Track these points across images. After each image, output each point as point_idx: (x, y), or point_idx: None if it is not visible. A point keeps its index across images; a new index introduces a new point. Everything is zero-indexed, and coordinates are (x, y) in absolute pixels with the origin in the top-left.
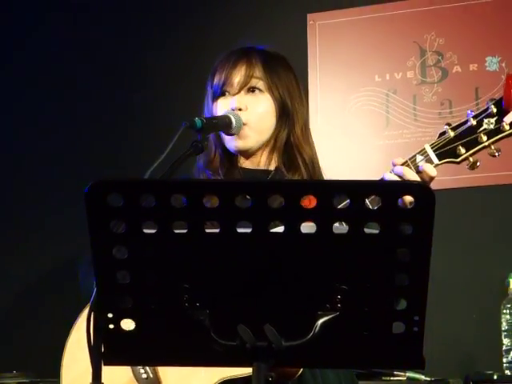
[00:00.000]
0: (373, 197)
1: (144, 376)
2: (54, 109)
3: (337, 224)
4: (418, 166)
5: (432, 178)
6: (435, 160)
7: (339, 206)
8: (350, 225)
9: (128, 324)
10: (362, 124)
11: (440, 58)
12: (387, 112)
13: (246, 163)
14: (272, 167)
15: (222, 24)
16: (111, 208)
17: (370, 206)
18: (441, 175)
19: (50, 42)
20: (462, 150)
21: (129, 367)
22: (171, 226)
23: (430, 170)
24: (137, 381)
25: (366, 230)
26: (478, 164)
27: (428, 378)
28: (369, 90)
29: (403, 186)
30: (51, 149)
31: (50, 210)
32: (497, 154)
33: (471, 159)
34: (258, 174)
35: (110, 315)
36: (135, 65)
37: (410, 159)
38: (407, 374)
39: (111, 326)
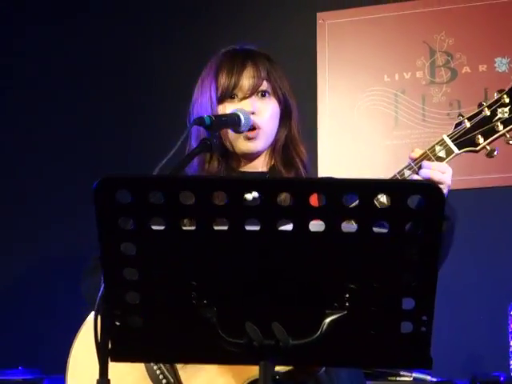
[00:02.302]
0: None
1: (164, 382)
2: (63, 103)
3: (344, 223)
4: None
5: (447, 178)
6: (455, 150)
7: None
8: (358, 223)
9: (135, 321)
10: (371, 124)
11: (449, 58)
12: (396, 112)
13: (244, 166)
14: (266, 169)
15: (231, 23)
16: (120, 204)
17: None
18: (452, 176)
19: (62, 42)
20: (481, 139)
21: (146, 374)
22: (179, 223)
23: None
24: None
25: (375, 229)
26: (496, 153)
27: (434, 379)
28: (378, 90)
29: (412, 185)
30: (61, 144)
31: (58, 207)
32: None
33: (488, 148)
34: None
35: (117, 312)
36: (144, 63)
37: (429, 150)
38: (413, 375)
39: (118, 323)
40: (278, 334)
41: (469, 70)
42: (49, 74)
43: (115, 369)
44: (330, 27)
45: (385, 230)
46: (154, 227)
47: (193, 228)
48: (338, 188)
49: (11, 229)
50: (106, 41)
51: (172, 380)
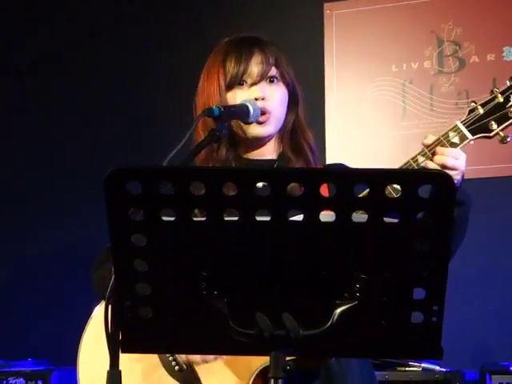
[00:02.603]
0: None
1: (177, 368)
2: (73, 97)
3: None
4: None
5: (461, 164)
6: (469, 135)
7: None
8: (369, 214)
9: (146, 312)
10: (379, 114)
11: (457, 47)
12: (404, 102)
13: (252, 154)
14: (275, 156)
15: (238, 13)
16: (130, 195)
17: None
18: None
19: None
20: (494, 125)
21: (159, 361)
22: (190, 214)
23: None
24: (170, 374)
25: (386, 220)
26: (509, 139)
27: (443, 369)
28: (385, 80)
29: (423, 174)
30: (70, 134)
31: (68, 198)
32: None
33: (502, 134)
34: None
35: (127, 303)
36: (151, 56)
37: (442, 136)
38: (422, 365)
39: (129, 314)
40: (289, 325)
41: (477, 60)
42: (51, 70)
43: (125, 357)
44: (337, 17)
45: (395, 220)
46: (165, 218)
47: (203, 219)
48: (348, 178)
49: (20, 215)
50: (108, 38)
51: (185, 367)
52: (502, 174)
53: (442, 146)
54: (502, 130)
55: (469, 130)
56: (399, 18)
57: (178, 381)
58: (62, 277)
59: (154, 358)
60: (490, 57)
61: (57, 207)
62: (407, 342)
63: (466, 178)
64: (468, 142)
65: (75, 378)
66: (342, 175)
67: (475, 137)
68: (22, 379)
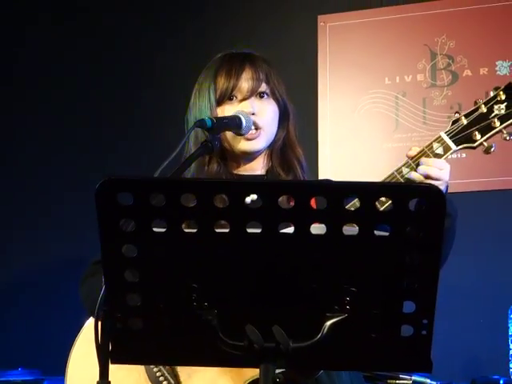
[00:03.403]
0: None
1: (165, 383)
2: (64, 103)
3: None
4: (436, 154)
5: (445, 175)
6: (453, 146)
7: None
8: (360, 226)
9: (136, 323)
10: (371, 126)
11: (450, 61)
12: (396, 115)
13: (241, 169)
14: (264, 171)
15: (232, 24)
16: (121, 206)
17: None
18: (452, 179)
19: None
20: (478, 136)
21: (146, 376)
22: (181, 225)
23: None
24: None
25: (376, 233)
26: (493, 149)
27: (434, 382)
28: (378, 93)
29: (414, 188)
30: (61, 146)
31: (59, 208)
32: (508, 138)
33: (486, 144)
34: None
35: (117, 314)
36: (143, 67)
37: (427, 147)
38: (413, 378)
39: (119, 325)
40: (279, 337)
41: (470, 73)
42: (49, 72)
43: (114, 372)
44: (331, 30)
45: (386, 233)
46: (156, 229)
47: (194, 230)
48: (339, 191)
49: (11, 229)
50: (106, 42)
51: (172, 381)
52: (495, 187)
53: (427, 157)
54: (485, 141)
55: (453, 141)
56: (393, 30)
57: None
58: (52, 287)
59: (141, 373)
60: (483, 71)
61: (45, 217)
62: (397, 355)
63: (457, 191)
64: (452, 153)
65: None
66: (333, 188)
67: (459, 147)
68: None
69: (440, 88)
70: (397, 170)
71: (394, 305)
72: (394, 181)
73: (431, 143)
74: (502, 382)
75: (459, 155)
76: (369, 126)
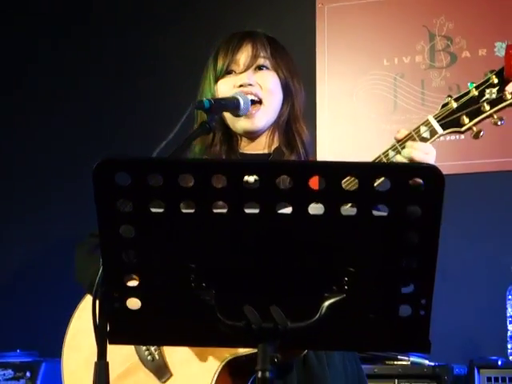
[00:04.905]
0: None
1: (149, 358)
2: (66, 87)
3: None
4: (423, 137)
5: (430, 159)
6: (440, 130)
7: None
8: (358, 207)
9: (134, 303)
10: (370, 108)
11: (449, 42)
12: (395, 96)
13: (246, 147)
14: (270, 150)
15: (231, 6)
16: (119, 187)
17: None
18: (451, 160)
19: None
20: (466, 120)
21: (134, 351)
22: (179, 206)
23: (423, 148)
24: (142, 363)
25: (375, 213)
26: (482, 134)
27: (432, 363)
28: (377, 74)
29: (413, 168)
30: (61, 126)
31: (57, 189)
32: (499, 123)
33: (475, 129)
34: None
35: (115, 294)
36: (147, 49)
37: (414, 131)
38: (411, 359)
39: (117, 305)
40: (277, 317)
41: (468, 55)
42: (50, 58)
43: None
44: (329, 11)
45: (384, 214)
46: (153, 210)
47: (192, 211)
48: (337, 171)
49: (8, 212)
50: (108, 27)
51: (157, 356)
52: (488, 169)
53: (413, 140)
54: (474, 125)
55: (440, 125)
56: (391, 12)
57: (149, 370)
58: (50, 270)
59: (129, 348)
60: (482, 52)
61: (42, 199)
62: (395, 336)
63: (456, 173)
64: (439, 137)
65: None
66: (331, 168)
67: (446, 131)
68: (10, 370)
69: (438, 69)
70: (383, 153)
71: (393, 285)
72: None
73: (419, 127)
74: (499, 362)
75: (457, 137)
76: (367, 107)
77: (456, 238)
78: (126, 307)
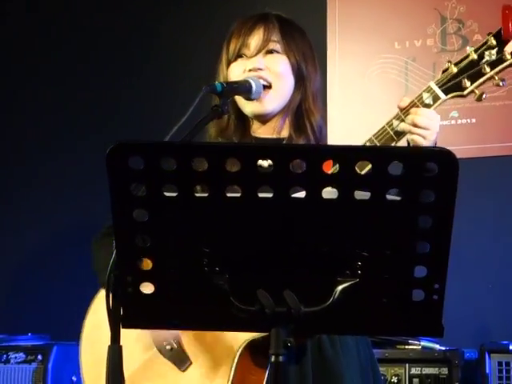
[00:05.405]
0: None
1: (168, 347)
2: (76, 69)
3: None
4: (425, 103)
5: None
6: (442, 95)
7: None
8: (372, 191)
9: (147, 287)
10: (381, 92)
11: (461, 25)
12: (406, 80)
13: (258, 131)
14: (283, 134)
15: None
16: (132, 171)
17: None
18: (466, 144)
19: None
20: (468, 83)
21: (152, 342)
22: (192, 190)
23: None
24: (161, 353)
25: (388, 197)
26: (485, 96)
27: (443, 348)
28: (388, 58)
29: (426, 152)
30: (73, 110)
31: (70, 173)
32: (501, 84)
33: (477, 91)
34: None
35: (129, 278)
36: (158, 32)
37: (416, 98)
38: (422, 343)
39: (130, 290)
40: (290, 302)
41: (480, 38)
42: (55, 41)
43: (125, 337)
44: None
45: (398, 198)
46: (167, 194)
47: (205, 195)
48: (351, 155)
49: (22, 198)
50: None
51: (175, 345)
52: (503, 152)
53: (416, 107)
54: (476, 88)
55: (442, 90)
56: None
57: (168, 359)
58: (63, 253)
59: (147, 338)
60: None
61: (56, 183)
62: (408, 320)
63: (471, 157)
64: (442, 102)
65: (75, 353)
66: (345, 152)
67: (448, 96)
68: (22, 354)
69: (450, 53)
70: (387, 123)
71: (406, 269)
72: (384, 134)
73: (421, 93)
74: (511, 347)
75: (470, 120)
76: (378, 91)
77: (470, 222)
78: (140, 291)
